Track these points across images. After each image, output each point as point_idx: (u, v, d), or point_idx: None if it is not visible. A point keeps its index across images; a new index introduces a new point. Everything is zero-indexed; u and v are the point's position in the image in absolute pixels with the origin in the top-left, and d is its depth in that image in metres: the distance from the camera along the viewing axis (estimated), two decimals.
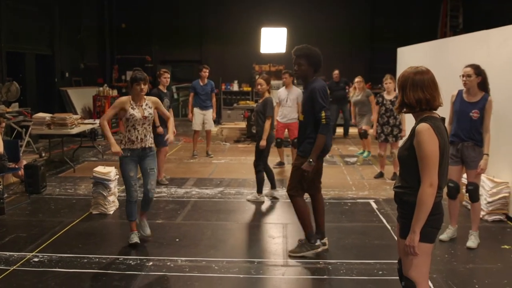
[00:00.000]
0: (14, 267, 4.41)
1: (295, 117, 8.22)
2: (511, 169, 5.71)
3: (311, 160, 4.47)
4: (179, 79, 18.07)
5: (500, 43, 6.07)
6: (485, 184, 5.77)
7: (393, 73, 11.64)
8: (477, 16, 13.17)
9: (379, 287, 4.07)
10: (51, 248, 4.88)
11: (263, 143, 6.37)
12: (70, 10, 13.67)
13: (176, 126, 9.07)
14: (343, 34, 15.11)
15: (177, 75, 17.90)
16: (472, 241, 4.89)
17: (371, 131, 8.57)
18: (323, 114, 4.47)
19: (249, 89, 15.65)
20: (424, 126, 2.63)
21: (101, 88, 13.19)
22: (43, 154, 9.58)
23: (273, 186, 6.84)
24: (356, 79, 9.57)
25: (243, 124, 13.37)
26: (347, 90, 12.37)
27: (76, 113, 11.57)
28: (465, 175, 5.07)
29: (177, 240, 5.18)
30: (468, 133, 4.82)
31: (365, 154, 9.72)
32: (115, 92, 13.60)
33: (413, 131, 2.71)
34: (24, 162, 7.18)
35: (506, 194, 5.67)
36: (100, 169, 6.19)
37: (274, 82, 13.87)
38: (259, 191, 6.64)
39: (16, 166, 6.99)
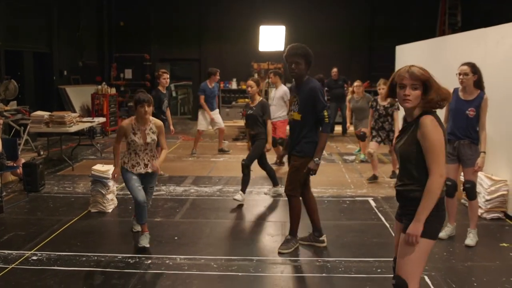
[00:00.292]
0: (13, 266, 4.41)
1: (280, 116, 8.31)
2: (510, 167, 5.73)
3: (317, 159, 4.55)
4: (178, 77, 18.09)
5: (497, 41, 6.08)
6: (484, 182, 5.78)
7: (392, 72, 11.73)
8: (476, 16, 13.18)
9: (377, 285, 4.08)
10: (50, 246, 4.88)
11: (269, 146, 6.52)
12: (69, 8, 13.64)
13: (174, 124, 9.07)
14: (342, 32, 15.10)
15: (176, 74, 17.91)
16: (471, 239, 4.91)
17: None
18: (325, 113, 4.57)
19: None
20: (428, 118, 2.68)
21: (99, 86, 13.17)
22: (42, 153, 9.57)
23: (275, 183, 6.85)
24: (356, 83, 9.26)
25: (241, 122, 13.37)
26: (345, 88, 12.38)
27: (74, 111, 11.54)
28: (462, 173, 5.08)
29: (176, 238, 5.18)
30: (464, 131, 4.83)
31: (362, 156, 9.53)
32: (113, 90, 13.58)
33: (412, 125, 2.74)
34: (23, 161, 7.17)
35: (505, 192, 5.68)
36: (98, 167, 6.19)
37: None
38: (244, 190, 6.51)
39: (15, 165, 6.99)
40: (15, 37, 11.34)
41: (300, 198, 4.85)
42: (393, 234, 5.19)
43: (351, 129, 8.72)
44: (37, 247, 4.85)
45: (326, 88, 12.14)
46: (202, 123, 9.85)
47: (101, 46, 15.46)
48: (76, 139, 10.28)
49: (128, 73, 15.68)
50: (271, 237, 5.26)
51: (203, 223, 5.68)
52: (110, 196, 6.13)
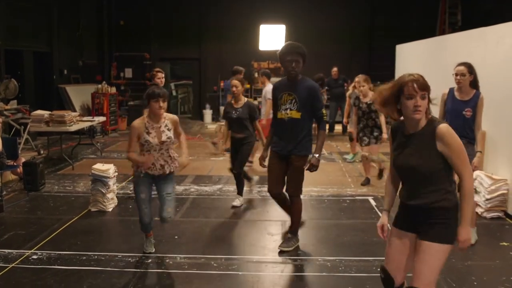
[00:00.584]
0: (13, 265, 4.41)
1: (262, 114, 8.39)
2: (510, 166, 5.73)
3: (318, 155, 4.59)
4: (178, 77, 18.09)
5: (497, 41, 6.08)
6: (484, 181, 5.79)
7: (392, 71, 11.73)
8: (476, 15, 13.17)
9: (377, 284, 4.07)
10: (50, 246, 4.88)
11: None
12: (69, 8, 13.64)
13: None
14: (342, 32, 15.10)
15: (176, 73, 17.91)
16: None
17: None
18: (324, 111, 4.64)
19: (248, 86, 15.63)
20: (444, 126, 2.66)
21: (99, 86, 13.17)
22: (42, 152, 9.57)
23: (240, 192, 6.44)
24: (357, 79, 9.17)
25: None
26: (345, 88, 12.37)
27: (74, 111, 11.55)
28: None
29: (176, 237, 5.18)
30: (461, 132, 4.73)
31: (351, 156, 9.27)
32: (113, 90, 13.58)
33: (420, 137, 2.69)
34: (23, 160, 7.17)
35: (505, 191, 5.68)
36: (99, 166, 6.19)
37: (272, 80, 13.89)
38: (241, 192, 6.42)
39: (15, 164, 6.98)
40: (15, 37, 11.34)
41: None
42: None
43: (348, 126, 8.30)
44: (37, 246, 4.85)
45: (326, 87, 12.14)
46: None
47: (101, 45, 15.46)
48: (76, 138, 10.28)
49: (128, 72, 15.67)
50: (271, 236, 5.26)
51: (203, 222, 5.69)
52: (110, 195, 6.13)
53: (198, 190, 7.08)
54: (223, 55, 15.53)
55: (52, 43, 12.92)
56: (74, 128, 8.73)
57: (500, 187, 5.68)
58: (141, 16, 15.62)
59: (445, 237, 2.68)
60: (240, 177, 6.31)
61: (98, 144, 10.68)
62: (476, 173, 5.90)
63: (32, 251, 4.73)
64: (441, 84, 7.53)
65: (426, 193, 2.70)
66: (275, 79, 14.69)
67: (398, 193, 2.96)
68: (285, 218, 5.75)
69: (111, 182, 6.13)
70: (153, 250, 4.71)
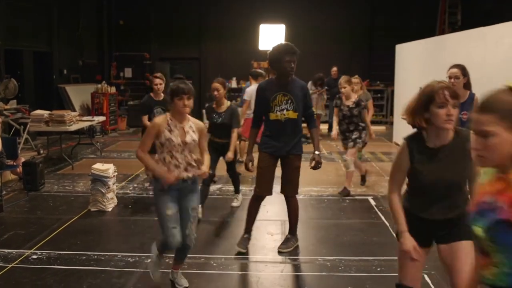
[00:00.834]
0: (13, 264, 4.41)
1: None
2: None
3: (319, 152, 4.66)
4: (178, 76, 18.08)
5: (497, 40, 6.08)
6: None
7: (392, 71, 11.74)
8: (476, 15, 13.18)
9: (377, 284, 4.08)
10: (50, 245, 4.88)
11: (231, 155, 5.70)
12: (69, 8, 13.64)
13: None
14: (342, 32, 15.09)
15: (175, 73, 17.88)
16: None
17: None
18: (314, 109, 4.71)
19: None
20: (468, 131, 2.59)
21: (99, 85, 13.18)
22: (41, 151, 9.57)
23: (237, 191, 6.44)
24: (353, 80, 8.60)
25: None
26: None
27: (74, 110, 11.55)
28: None
29: None
30: None
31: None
32: (113, 89, 13.58)
33: (450, 148, 2.60)
34: (22, 159, 7.17)
35: None
36: (98, 166, 6.18)
37: None
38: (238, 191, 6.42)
39: (14, 164, 6.98)
40: (15, 36, 11.34)
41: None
42: (394, 233, 5.21)
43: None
44: (37, 246, 4.85)
45: (326, 87, 12.14)
46: None
47: (101, 45, 15.46)
48: (76, 138, 10.28)
49: (128, 72, 15.67)
50: (271, 236, 5.26)
51: (203, 222, 5.68)
52: (110, 195, 6.13)
53: None
54: (223, 55, 15.53)
55: (52, 43, 12.92)
56: (73, 128, 8.73)
57: None
58: (141, 15, 15.62)
59: (470, 234, 2.58)
60: (235, 176, 6.28)
61: (98, 144, 10.67)
62: None
63: (31, 251, 4.73)
64: None
65: (457, 204, 2.63)
66: None
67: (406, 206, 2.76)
68: (285, 217, 5.75)
69: (110, 182, 6.13)
70: (187, 285, 4.01)
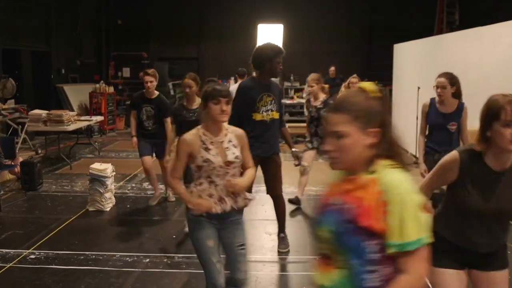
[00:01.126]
0: (11, 264, 4.41)
1: None
2: None
3: (295, 148, 4.79)
4: (177, 76, 18.05)
5: (494, 40, 6.09)
6: None
7: (389, 70, 11.74)
8: (474, 14, 13.20)
9: None
10: (48, 245, 4.88)
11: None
12: (67, 7, 13.62)
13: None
14: (341, 31, 15.09)
15: (174, 72, 17.88)
16: None
17: None
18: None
19: None
20: None
21: (97, 85, 13.16)
22: (39, 151, 9.56)
23: None
24: (352, 79, 7.91)
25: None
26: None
27: (72, 110, 11.54)
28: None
29: (174, 237, 5.19)
30: (447, 146, 4.34)
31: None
32: (111, 89, 13.56)
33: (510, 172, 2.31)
34: (20, 159, 7.17)
35: None
36: (96, 166, 6.18)
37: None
38: None
39: (12, 163, 6.98)
40: (13, 36, 11.33)
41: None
42: None
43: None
44: (35, 246, 4.85)
45: None
46: None
47: (99, 44, 15.45)
48: (74, 138, 10.27)
49: (126, 72, 15.64)
50: (269, 235, 5.27)
51: None
52: (108, 195, 6.12)
53: None
54: (221, 54, 15.53)
55: (50, 42, 12.90)
56: (72, 127, 8.72)
57: None
58: (140, 15, 15.60)
59: (507, 262, 2.47)
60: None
61: (96, 143, 10.66)
62: None
63: (30, 250, 4.73)
64: None
65: (500, 236, 2.39)
66: (273, 79, 14.60)
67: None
68: None
69: (109, 182, 6.12)
70: None
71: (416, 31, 12.80)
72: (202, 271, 3.07)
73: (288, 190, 7.06)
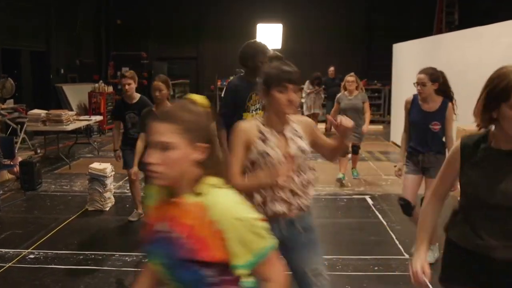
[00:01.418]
0: (10, 264, 4.40)
1: None
2: None
3: None
4: (176, 76, 18.06)
5: (493, 40, 6.10)
6: None
7: (389, 70, 11.75)
8: (474, 14, 13.21)
9: (374, 283, 4.09)
10: (47, 245, 4.88)
11: None
12: (67, 7, 13.61)
13: None
14: (339, 30, 15.11)
15: (173, 72, 17.88)
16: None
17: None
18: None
19: None
20: None
21: (96, 85, 13.15)
22: (39, 151, 9.55)
23: None
24: (348, 78, 7.23)
25: None
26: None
27: (71, 110, 11.53)
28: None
29: None
30: (429, 147, 4.17)
31: (341, 175, 7.34)
32: (110, 89, 13.55)
33: None
34: (20, 159, 7.16)
35: None
36: (96, 165, 6.18)
37: None
38: None
39: (11, 163, 6.97)
40: (13, 36, 11.32)
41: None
42: (391, 233, 5.23)
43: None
44: (34, 246, 4.85)
45: (323, 86, 12.17)
46: None
47: (99, 44, 15.45)
48: (73, 138, 10.27)
49: (124, 71, 15.64)
50: None
51: None
52: (107, 195, 6.12)
53: None
54: (220, 54, 15.53)
55: (49, 42, 12.89)
56: (71, 127, 8.72)
57: None
58: (139, 15, 15.61)
59: None
60: None
61: (95, 143, 10.66)
62: None
63: (29, 250, 4.73)
64: None
65: None
66: None
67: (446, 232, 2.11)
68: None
69: (108, 181, 6.12)
70: None
71: (416, 31, 12.81)
72: None
73: None
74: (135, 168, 5.03)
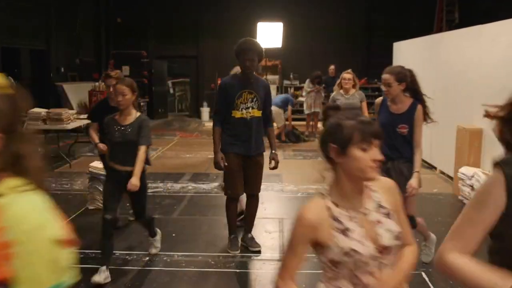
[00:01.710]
0: None
1: None
2: None
3: (276, 151, 4.67)
4: (176, 74, 18.09)
5: (493, 39, 6.09)
6: (481, 179, 5.80)
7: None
8: (474, 13, 13.20)
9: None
10: None
11: (135, 181, 3.96)
12: (67, 6, 13.61)
13: (171, 121, 9.08)
14: (339, 29, 15.10)
15: (173, 71, 17.91)
16: (426, 254, 4.30)
17: None
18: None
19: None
20: None
21: (96, 83, 13.15)
22: (39, 150, 9.54)
23: (153, 234, 4.68)
24: (345, 75, 6.89)
25: None
26: None
27: (72, 108, 11.52)
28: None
29: (174, 235, 5.19)
30: (398, 151, 3.90)
31: None
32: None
33: None
34: None
35: None
36: (96, 164, 6.17)
37: (270, 77, 13.90)
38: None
39: None
40: (13, 34, 11.32)
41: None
42: None
43: None
44: None
45: (323, 85, 12.18)
46: None
47: (99, 43, 15.45)
48: (74, 136, 10.27)
49: (126, 70, 15.63)
50: (269, 233, 5.27)
51: (201, 220, 5.69)
52: None
53: (196, 188, 7.09)
54: (220, 53, 15.52)
55: (49, 41, 12.90)
56: (71, 126, 8.73)
57: None
58: (139, 14, 15.61)
59: None
60: (145, 217, 4.48)
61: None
62: (474, 170, 5.92)
63: None
64: (437, 83, 7.57)
65: None
66: (273, 77, 14.66)
67: None
68: (283, 215, 5.78)
69: None
70: None
71: (416, 30, 12.81)
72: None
73: (288, 188, 7.08)
74: (133, 180, 3.99)
